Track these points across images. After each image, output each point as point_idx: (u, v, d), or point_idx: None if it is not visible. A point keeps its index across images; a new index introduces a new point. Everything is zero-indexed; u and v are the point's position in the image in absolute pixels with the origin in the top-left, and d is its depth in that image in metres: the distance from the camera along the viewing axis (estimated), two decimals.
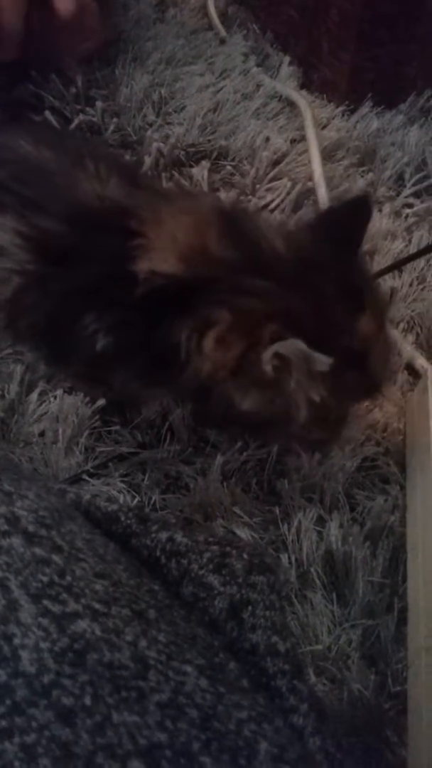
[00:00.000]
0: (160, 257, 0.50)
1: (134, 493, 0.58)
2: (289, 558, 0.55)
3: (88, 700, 0.28)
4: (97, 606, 0.32)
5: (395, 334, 0.72)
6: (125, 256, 0.50)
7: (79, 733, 0.27)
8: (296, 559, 0.55)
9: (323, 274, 0.50)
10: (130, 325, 0.51)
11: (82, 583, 0.33)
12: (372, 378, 0.53)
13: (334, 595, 0.53)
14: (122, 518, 0.45)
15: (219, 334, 0.49)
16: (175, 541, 0.44)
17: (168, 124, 0.91)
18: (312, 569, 0.54)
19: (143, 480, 0.59)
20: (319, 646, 0.50)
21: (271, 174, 0.86)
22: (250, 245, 0.51)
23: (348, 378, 0.50)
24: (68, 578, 0.33)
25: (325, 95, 1.01)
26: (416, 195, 0.89)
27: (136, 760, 0.27)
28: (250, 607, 0.41)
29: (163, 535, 0.44)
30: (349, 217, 0.55)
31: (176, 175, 0.84)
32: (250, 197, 0.84)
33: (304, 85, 1.03)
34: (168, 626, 0.35)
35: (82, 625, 0.31)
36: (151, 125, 0.90)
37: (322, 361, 0.46)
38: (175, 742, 0.28)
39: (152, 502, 0.58)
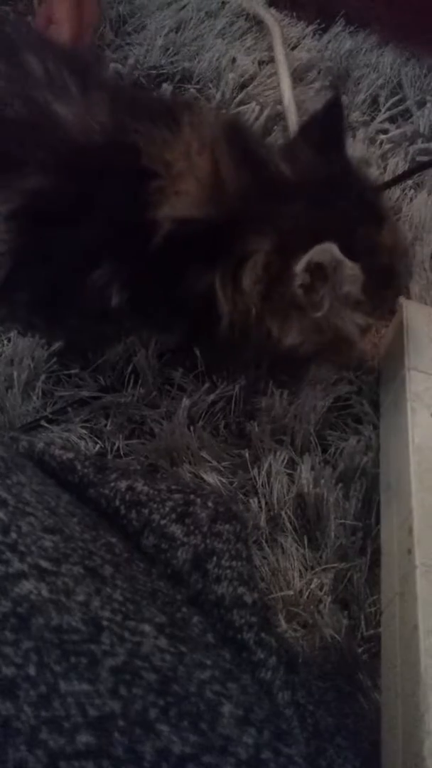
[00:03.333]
0: (184, 202, 0.46)
1: (96, 440, 0.55)
2: (259, 502, 0.53)
3: (32, 670, 0.25)
4: (44, 564, 0.30)
5: None
6: (142, 201, 0.46)
7: (21, 706, 0.24)
8: (266, 503, 0.53)
9: (342, 193, 0.50)
10: (148, 277, 0.48)
11: (29, 540, 0.30)
12: (398, 289, 0.54)
13: (306, 538, 0.52)
14: (78, 467, 0.42)
15: (258, 262, 0.47)
16: (135, 490, 0.41)
17: (127, 44, 0.85)
18: (283, 513, 0.52)
19: (106, 425, 0.56)
20: (290, 592, 0.49)
21: (239, 98, 0.81)
22: (259, 169, 0.49)
23: (384, 295, 0.51)
24: (13, 535, 0.30)
25: (294, 13, 0.95)
26: (391, 120, 0.85)
27: (85, 733, 0.24)
28: (215, 558, 0.39)
29: (123, 484, 0.41)
30: (325, 122, 0.53)
31: None
32: None
33: (273, 2, 0.96)
34: (125, 582, 0.32)
35: (27, 586, 0.28)
36: (108, 45, 0.84)
37: (350, 266, 0.46)
38: (130, 710, 0.26)
39: (115, 448, 0.55)
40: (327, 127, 0.53)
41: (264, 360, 0.55)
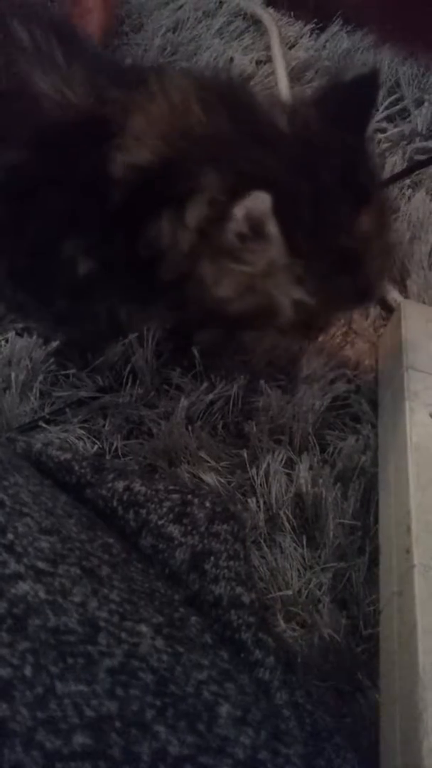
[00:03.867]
0: (136, 146, 0.45)
1: (94, 440, 0.55)
2: (258, 502, 0.53)
3: (28, 671, 0.25)
4: (41, 565, 0.30)
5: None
6: (103, 160, 0.45)
7: (17, 707, 0.24)
8: (265, 503, 0.53)
9: (327, 159, 0.45)
10: (111, 239, 0.47)
11: (26, 541, 0.30)
12: (365, 284, 0.48)
13: (304, 538, 0.52)
14: (76, 468, 0.42)
15: (204, 198, 0.44)
16: (132, 490, 0.41)
17: (125, 44, 0.85)
18: (281, 513, 0.52)
19: (104, 426, 0.56)
20: (289, 591, 0.49)
21: None
22: (245, 119, 0.46)
23: (339, 282, 0.46)
24: (9, 536, 0.30)
25: (292, 13, 0.95)
26: (389, 119, 0.85)
27: (82, 734, 0.24)
28: (212, 558, 0.39)
29: (120, 485, 0.41)
30: (355, 95, 0.49)
31: None
32: None
33: (270, 1, 0.96)
34: (122, 583, 0.32)
35: (23, 587, 0.28)
36: (106, 46, 0.83)
37: (273, 224, 0.42)
38: (126, 711, 0.26)
39: (114, 448, 0.55)
40: (353, 99, 0.49)
41: (196, 310, 0.50)
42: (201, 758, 0.26)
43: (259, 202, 0.41)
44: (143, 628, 0.30)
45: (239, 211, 0.42)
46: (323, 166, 0.44)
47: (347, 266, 0.46)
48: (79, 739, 0.24)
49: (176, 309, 0.51)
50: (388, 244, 0.50)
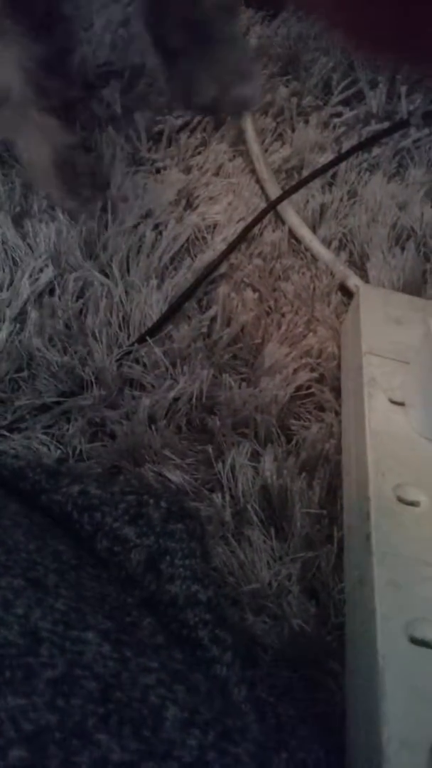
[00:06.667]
0: None
1: (58, 445, 0.55)
2: (224, 497, 0.53)
3: None
4: None
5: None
6: None
7: None
8: (232, 497, 0.53)
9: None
10: None
11: None
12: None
13: (272, 530, 0.52)
14: (30, 474, 0.42)
15: None
16: (87, 494, 0.41)
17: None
18: (248, 506, 0.52)
19: (68, 430, 0.56)
20: (258, 584, 0.49)
21: None
22: None
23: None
24: None
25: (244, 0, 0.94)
26: (345, 102, 0.84)
27: (18, 748, 0.24)
28: (168, 557, 0.39)
29: (75, 489, 0.41)
30: None
31: (85, 97, 0.78)
32: (167, 117, 0.78)
33: None
34: (70, 590, 0.32)
35: None
36: None
37: None
38: (67, 721, 0.26)
39: (77, 452, 0.54)
40: None
41: None
42: (145, 764, 0.26)
43: None
44: (89, 635, 0.30)
45: None
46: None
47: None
48: (16, 753, 0.24)
49: None
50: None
